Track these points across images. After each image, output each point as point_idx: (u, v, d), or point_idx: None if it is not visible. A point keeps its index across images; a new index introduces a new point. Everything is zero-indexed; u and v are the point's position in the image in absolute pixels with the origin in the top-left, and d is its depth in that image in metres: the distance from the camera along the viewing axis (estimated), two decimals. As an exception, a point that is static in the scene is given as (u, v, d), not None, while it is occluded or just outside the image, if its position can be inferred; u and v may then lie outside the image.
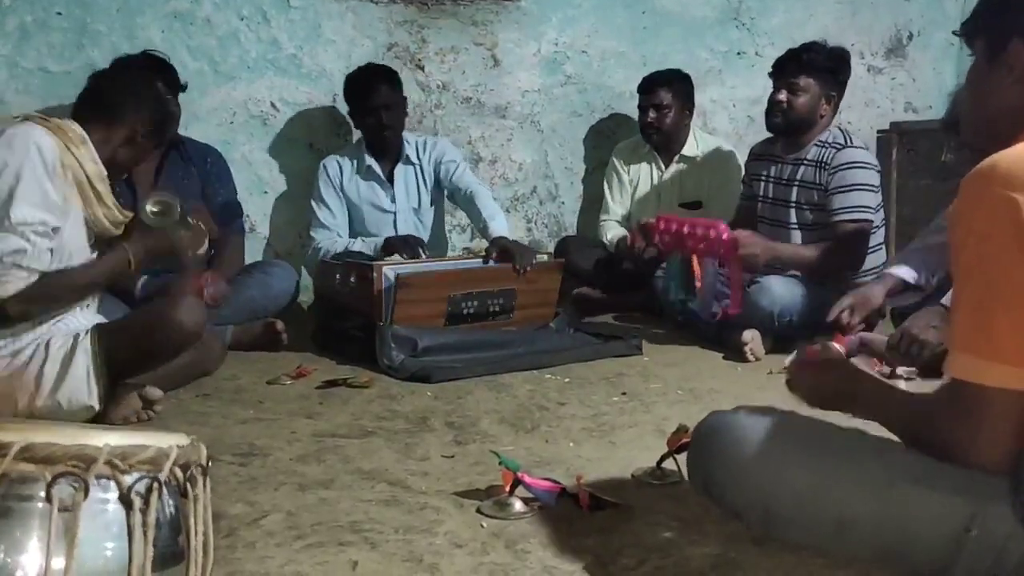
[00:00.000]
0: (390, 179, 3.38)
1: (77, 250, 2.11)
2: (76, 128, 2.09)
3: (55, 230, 2.03)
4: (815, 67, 3.04)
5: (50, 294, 2.06)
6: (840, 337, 1.60)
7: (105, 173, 2.12)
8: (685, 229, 2.90)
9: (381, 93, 3.28)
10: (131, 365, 2.15)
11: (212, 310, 2.78)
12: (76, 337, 2.09)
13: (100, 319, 2.23)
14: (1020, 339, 1.11)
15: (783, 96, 3.06)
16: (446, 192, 3.42)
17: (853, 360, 1.48)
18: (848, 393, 1.37)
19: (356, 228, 3.39)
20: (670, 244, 2.99)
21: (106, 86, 2.23)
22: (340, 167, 3.36)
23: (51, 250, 2.03)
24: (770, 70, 3.17)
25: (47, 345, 2.07)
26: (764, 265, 2.92)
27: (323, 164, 3.38)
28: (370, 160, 3.36)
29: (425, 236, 3.40)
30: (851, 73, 3.15)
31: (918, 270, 2.54)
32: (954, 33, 1.42)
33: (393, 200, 3.38)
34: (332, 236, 3.31)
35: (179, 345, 2.20)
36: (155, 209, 2.20)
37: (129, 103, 2.16)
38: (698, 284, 2.96)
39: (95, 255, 2.17)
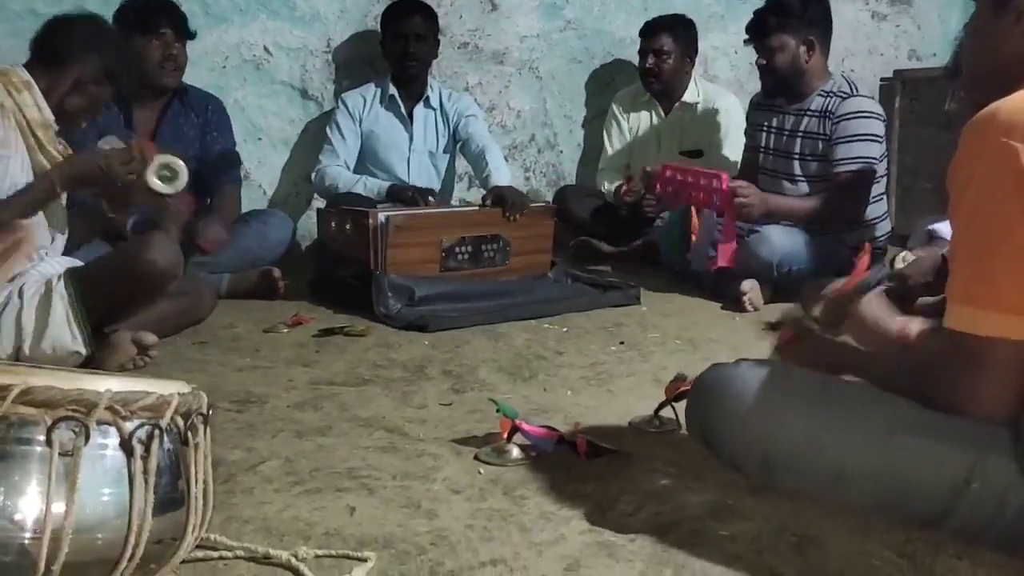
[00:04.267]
0: (410, 117, 3.41)
1: (16, 187, 2.06)
2: (21, 73, 2.08)
3: None
4: (783, 22, 2.98)
5: None
6: (863, 262, 1.59)
7: (51, 119, 2.09)
8: (689, 179, 2.89)
9: (413, 22, 3.34)
10: (110, 307, 2.13)
11: (208, 256, 2.78)
12: (49, 283, 2.07)
13: (73, 262, 2.20)
14: (1020, 288, 1.11)
15: (762, 60, 3.04)
16: (459, 144, 3.43)
17: (867, 301, 1.48)
18: (837, 364, 1.38)
19: (369, 162, 3.41)
20: (672, 194, 2.97)
21: (51, 33, 2.19)
22: (363, 98, 3.41)
23: None
24: (744, 37, 3.12)
25: (20, 292, 2.06)
26: (760, 216, 2.90)
27: (343, 96, 3.44)
28: (393, 91, 3.39)
29: (438, 182, 3.45)
30: (827, 8, 3.06)
31: None
32: None
33: (411, 138, 3.41)
34: (339, 163, 3.34)
35: (155, 285, 2.17)
36: (162, 173, 2.13)
37: (73, 50, 2.12)
38: (694, 237, 2.96)
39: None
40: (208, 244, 2.75)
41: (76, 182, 2.14)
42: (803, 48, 3.00)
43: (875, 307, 1.49)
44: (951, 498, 1.17)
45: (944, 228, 2.51)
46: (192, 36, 3.01)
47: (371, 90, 3.43)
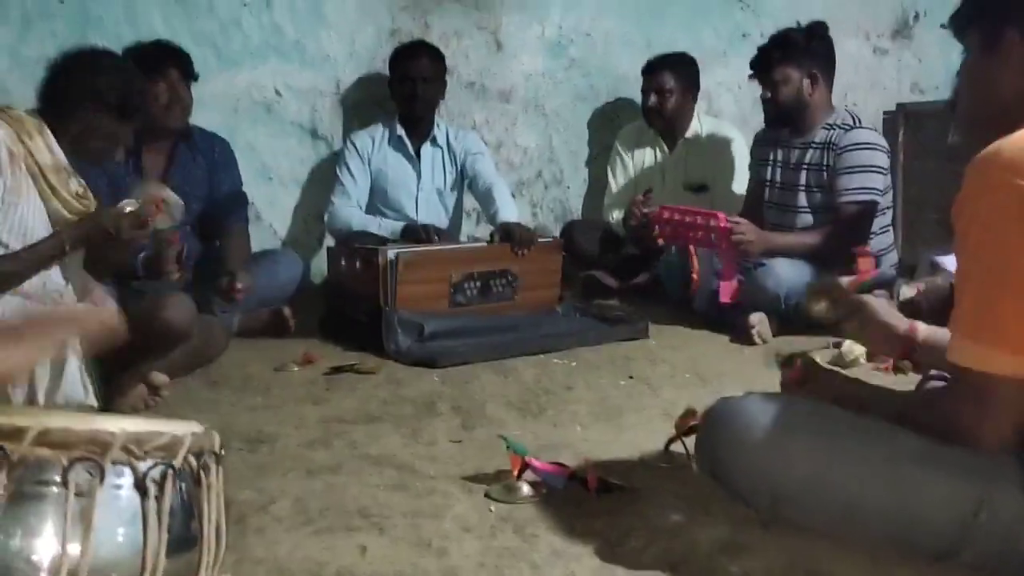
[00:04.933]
0: (418, 156, 3.45)
1: (32, 237, 2.05)
2: (33, 119, 2.07)
3: None
4: (787, 55, 3.03)
5: None
6: (865, 263, 1.58)
7: (64, 162, 2.08)
8: (686, 219, 2.92)
9: (420, 64, 3.39)
10: (123, 363, 2.12)
11: (235, 304, 2.78)
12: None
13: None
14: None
15: (766, 93, 3.09)
16: (466, 182, 3.47)
17: (872, 297, 1.49)
18: (844, 401, 1.38)
19: (379, 201, 3.44)
20: (670, 234, 3.00)
21: (57, 72, 2.17)
22: (371, 139, 3.45)
23: None
24: (749, 72, 3.16)
25: None
26: (760, 253, 2.92)
27: (352, 136, 3.48)
28: (401, 131, 3.44)
29: (446, 220, 3.50)
30: (830, 44, 3.11)
31: None
32: (942, 27, 1.39)
33: (419, 176, 3.45)
34: (351, 204, 3.38)
35: (170, 343, 2.19)
36: (128, 210, 2.11)
37: (74, 94, 2.10)
38: (695, 277, 2.98)
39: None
40: (238, 293, 2.76)
41: (85, 243, 2.13)
42: (807, 81, 3.04)
43: (883, 305, 1.49)
44: (960, 530, 1.17)
45: (948, 259, 2.52)
46: (196, 78, 3.04)
47: (379, 130, 3.48)
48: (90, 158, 2.17)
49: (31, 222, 2.08)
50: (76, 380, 2.05)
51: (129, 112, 2.14)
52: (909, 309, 2.01)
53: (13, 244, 2.05)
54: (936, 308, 2.03)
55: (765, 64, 3.07)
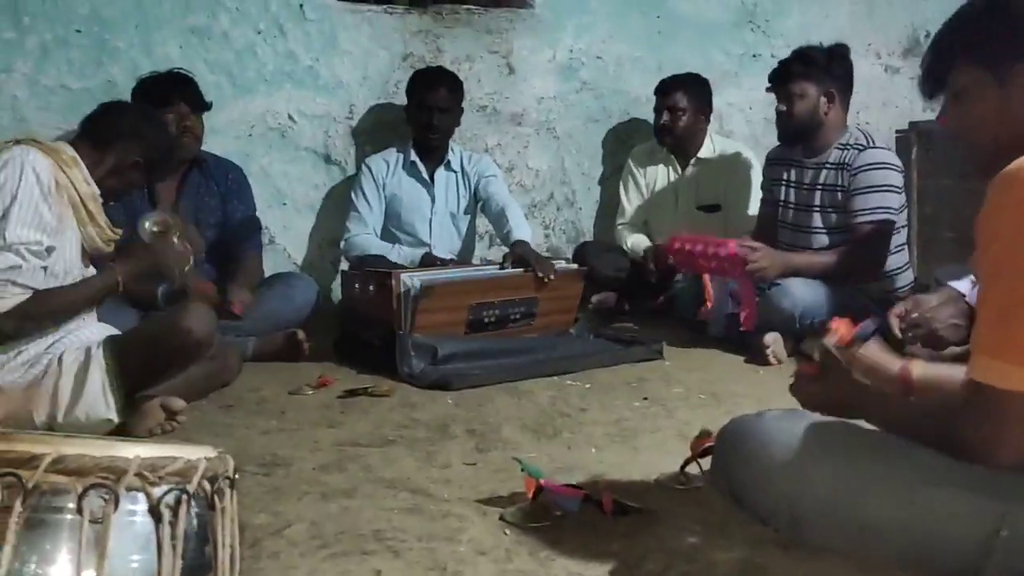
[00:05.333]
0: (432, 180, 3.47)
1: (71, 267, 2.18)
2: (69, 150, 2.18)
3: (49, 250, 2.10)
4: (807, 71, 3.04)
5: (43, 311, 2.11)
6: (848, 323, 1.54)
7: (98, 193, 2.20)
8: (698, 247, 2.91)
9: (438, 95, 3.40)
10: (146, 375, 2.18)
11: (237, 321, 2.82)
12: (88, 351, 2.12)
13: (110, 329, 2.26)
14: None
15: (782, 106, 3.08)
16: (480, 204, 3.48)
17: (867, 345, 1.46)
18: (852, 403, 1.36)
19: (392, 225, 3.45)
20: (683, 264, 3.00)
21: (104, 115, 2.33)
22: (386, 163, 3.47)
23: (44, 268, 2.10)
24: (767, 85, 3.17)
25: (60, 359, 2.11)
26: (776, 277, 2.91)
27: (367, 161, 3.50)
28: (415, 157, 3.45)
29: (459, 243, 3.52)
30: (850, 66, 3.11)
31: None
32: (923, 94, 1.37)
33: (432, 200, 3.46)
34: (367, 231, 3.39)
35: (191, 353, 2.22)
36: (153, 229, 2.27)
37: (120, 135, 2.24)
38: (708, 304, 2.97)
39: (89, 270, 2.24)
40: (238, 308, 2.80)
41: (137, 277, 2.25)
42: (823, 99, 3.04)
43: (874, 351, 1.47)
44: (982, 549, 1.16)
45: (949, 275, 2.49)
46: (207, 107, 3.07)
47: (393, 155, 3.50)
48: (108, 194, 2.27)
49: (69, 252, 2.17)
50: (98, 394, 2.09)
51: (156, 169, 2.35)
52: (927, 334, 1.99)
53: (59, 273, 2.15)
54: (952, 323, 2.01)
55: (784, 77, 3.08)
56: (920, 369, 1.42)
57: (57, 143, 2.21)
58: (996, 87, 1.25)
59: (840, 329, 1.48)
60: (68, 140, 2.25)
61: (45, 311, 2.11)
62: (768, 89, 3.17)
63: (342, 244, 3.44)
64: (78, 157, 2.18)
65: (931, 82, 1.32)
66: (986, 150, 1.27)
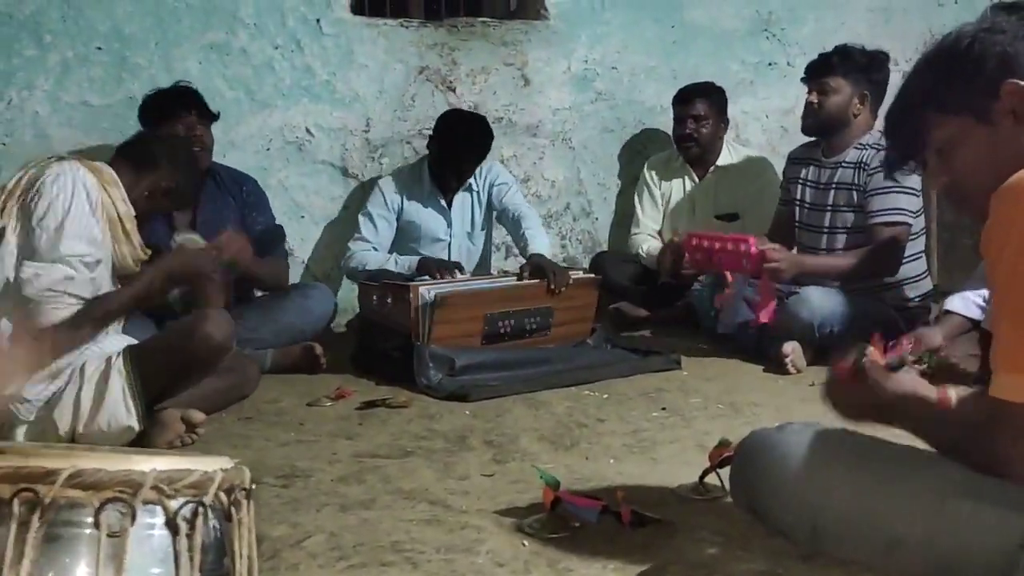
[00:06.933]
0: (449, 205, 3.43)
1: (105, 284, 2.23)
2: (109, 170, 2.25)
3: (97, 262, 2.16)
4: (846, 67, 3.03)
5: (93, 319, 2.16)
6: (879, 348, 1.51)
7: (133, 213, 2.26)
8: (716, 244, 2.89)
9: (471, 145, 3.34)
10: (166, 382, 2.21)
11: (230, 274, 2.68)
12: (109, 360, 2.15)
13: (129, 340, 2.29)
14: None
15: (814, 97, 3.06)
16: (495, 214, 3.47)
17: (899, 375, 1.44)
18: (884, 406, 1.34)
19: (408, 247, 3.41)
20: (701, 261, 2.98)
21: (148, 141, 2.45)
22: (400, 190, 3.40)
23: (92, 280, 2.16)
24: (803, 75, 3.16)
25: (82, 369, 2.14)
26: (791, 279, 2.89)
27: (381, 183, 3.44)
28: (432, 187, 3.41)
29: (477, 258, 3.49)
30: (887, 73, 3.10)
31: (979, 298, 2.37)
32: (887, 172, 1.35)
33: (450, 225, 3.44)
34: (368, 248, 3.36)
35: (210, 358, 2.25)
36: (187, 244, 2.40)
37: (159, 160, 2.34)
38: (727, 291, 2.94)
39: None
40: (227, 254, 2.58)
41: (173, 282, 2.34)
42: (856, 99, 3.03)
43: (911, 378, 1.45)
44: (1007, 563, 1.14)
45: (957, 302, 2.44)
46: (215, 117, 3.09)
47: (409, 181, 3.43)
48: (136, 216, 2.33)
49: (104, 273, 2.24)
50: (119, 402, 2.12)
51: (182, 198, 2.49)
52: (946, 370, 1.95)
53: (102, 287, 2.21)
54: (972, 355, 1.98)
55: (823, 69, 3.06)
56: (958, 395, 1.40)
57: (98, 163, 2.28)
58: (981, 126, 1.23)
59: (873, 353, 1.45)
60: (107, 161, 2.33)
61: (95, 317, 2.17)
62: (803, 79, 3.15)
63: (342, 262, 3.41)
64: (117, 178, 2.25)
65: (901, 156, 1.30)
66: (991, 190, 1.24)
